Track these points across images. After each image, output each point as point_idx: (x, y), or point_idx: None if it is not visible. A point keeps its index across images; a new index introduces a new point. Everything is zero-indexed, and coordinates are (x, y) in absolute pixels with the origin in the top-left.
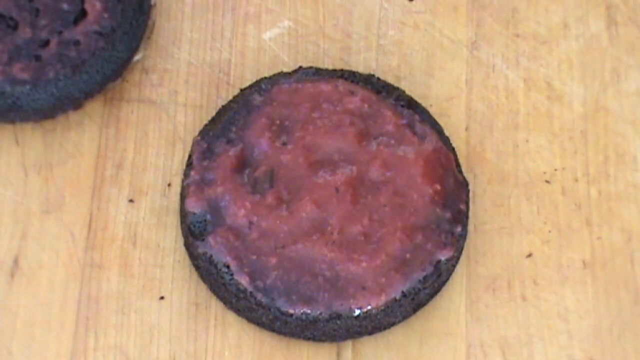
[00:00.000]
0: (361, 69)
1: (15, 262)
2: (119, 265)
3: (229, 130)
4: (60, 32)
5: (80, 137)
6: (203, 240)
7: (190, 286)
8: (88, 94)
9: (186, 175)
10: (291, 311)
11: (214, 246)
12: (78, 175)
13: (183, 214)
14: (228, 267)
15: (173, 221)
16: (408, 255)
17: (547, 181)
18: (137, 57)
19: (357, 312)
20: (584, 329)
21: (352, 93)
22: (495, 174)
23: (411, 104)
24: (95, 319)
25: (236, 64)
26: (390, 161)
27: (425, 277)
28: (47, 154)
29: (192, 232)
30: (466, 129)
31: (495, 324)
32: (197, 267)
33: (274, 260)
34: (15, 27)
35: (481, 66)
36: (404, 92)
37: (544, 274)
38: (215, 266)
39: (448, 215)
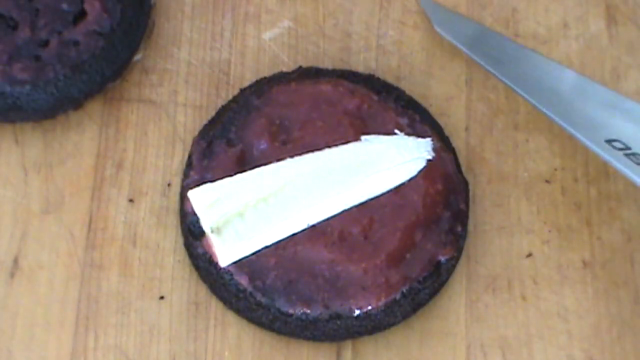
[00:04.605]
0: (361, 69)
1: (15, 262)
2: (119, 265)
3: (229, 130)
4: (60, 32)
5: (80, 137)
6: (203, 240)
7: (190, 286)
8: (88, 94)
9: (186, 175)
10: (291, 311)
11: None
12: (78, 175)
13: (183, 214)
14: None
15: (173, 221)
16: (408, 256)
17: (547, 181)
18: (137, 57)
19: (357, 312)
20: (584, 328)
21: (352, 93)
22: (495, 174)
23: (411, 104)
24: (95, 318)
25: (236, 64)
26: None
27: (425, 277)
28: (47, 154)
29: (192, 232)
30: (466, 129)
31: (495, 324)
32: (197, 267)
33: (273, 261)
34: (15, 27)
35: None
36: (404, 92)
37: (544, 274)
38: (215, 266)
39: (448, 215)
